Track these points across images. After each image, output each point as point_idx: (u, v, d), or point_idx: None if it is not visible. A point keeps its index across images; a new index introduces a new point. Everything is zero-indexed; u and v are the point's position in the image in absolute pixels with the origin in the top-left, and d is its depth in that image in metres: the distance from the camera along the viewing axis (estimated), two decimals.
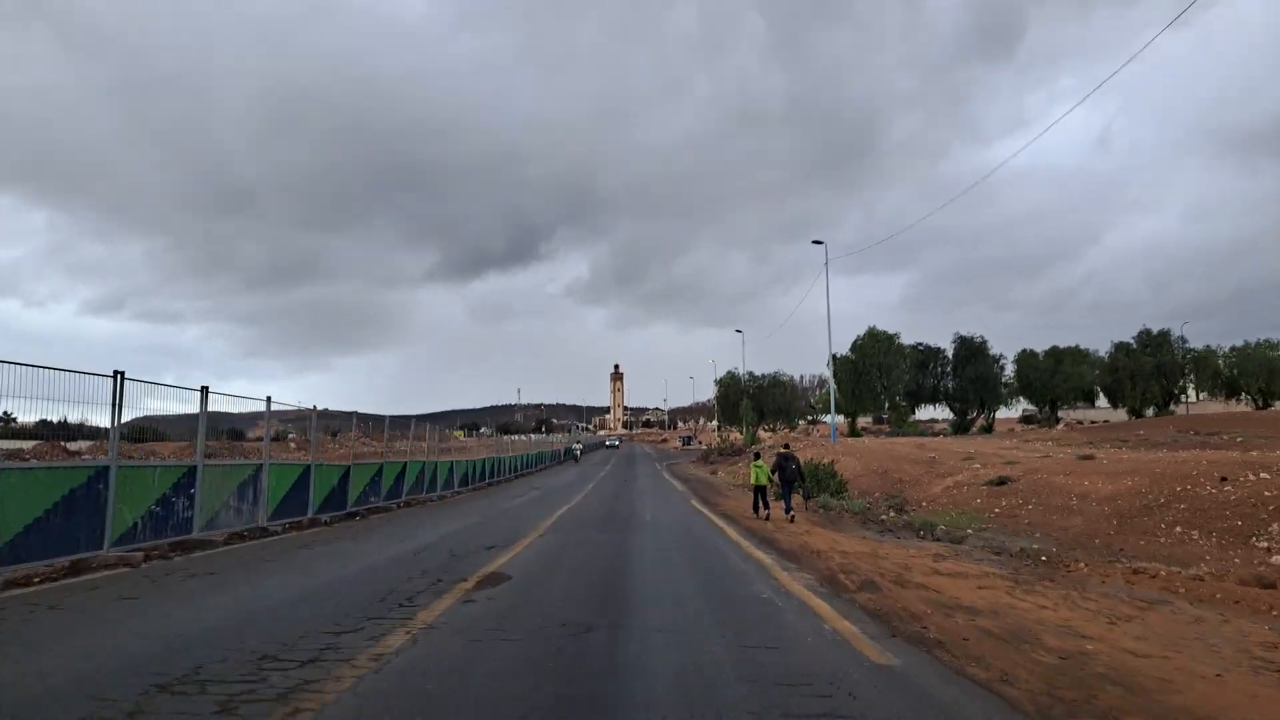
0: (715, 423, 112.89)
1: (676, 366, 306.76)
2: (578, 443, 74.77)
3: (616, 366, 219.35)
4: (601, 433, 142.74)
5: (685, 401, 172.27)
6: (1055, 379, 69.52)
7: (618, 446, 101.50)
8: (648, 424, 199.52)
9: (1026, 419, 78.13)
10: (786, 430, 77.95)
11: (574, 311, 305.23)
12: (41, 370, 8.52)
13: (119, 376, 9.73)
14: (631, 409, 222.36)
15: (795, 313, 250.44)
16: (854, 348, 68.68)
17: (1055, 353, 71.44)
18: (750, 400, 75.55)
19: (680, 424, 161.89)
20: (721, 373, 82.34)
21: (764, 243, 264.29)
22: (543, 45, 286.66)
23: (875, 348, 65.79)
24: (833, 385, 50.63)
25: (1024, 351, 73.07)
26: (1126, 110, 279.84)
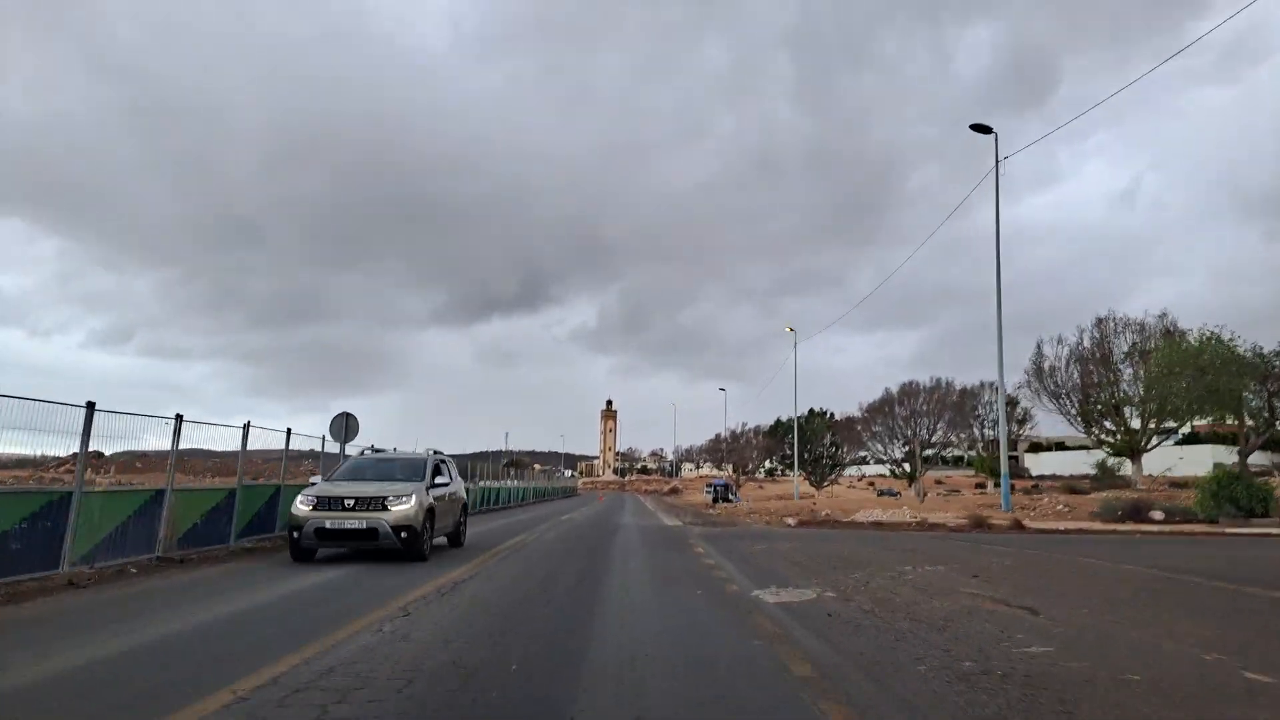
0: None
1: (681, 413, 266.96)
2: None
3: (609, 403, 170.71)
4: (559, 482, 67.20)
5: (693, 443, 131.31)
6: None
7: (553, 497, 38.84)
8: (644, 470, 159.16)
9: None
10: None
11: (576, 358, 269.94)
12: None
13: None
14: (626, 456, 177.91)
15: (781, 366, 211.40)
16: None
17: None
18: None
19: (694, 468, 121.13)
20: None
21: (773, 295, 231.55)
22: (561, 82, 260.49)
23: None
24: None
25: None
26: (1157, 167, 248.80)
